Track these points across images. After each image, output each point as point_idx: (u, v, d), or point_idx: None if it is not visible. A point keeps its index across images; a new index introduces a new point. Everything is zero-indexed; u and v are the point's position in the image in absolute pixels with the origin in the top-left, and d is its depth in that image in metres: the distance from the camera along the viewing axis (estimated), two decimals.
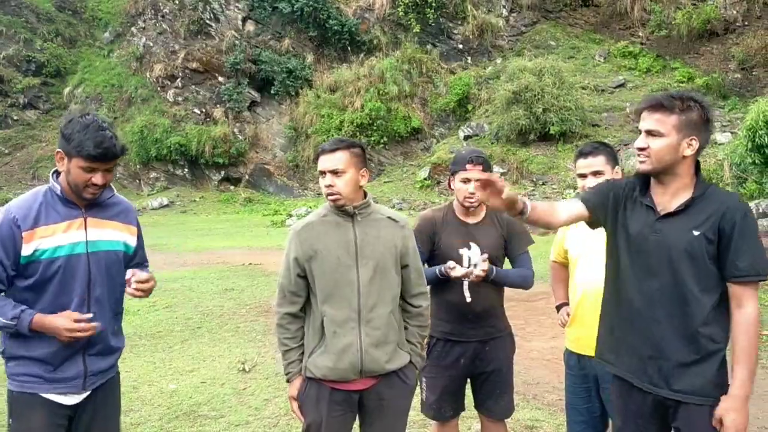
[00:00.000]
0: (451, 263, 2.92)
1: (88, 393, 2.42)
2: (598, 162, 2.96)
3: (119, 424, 2.61)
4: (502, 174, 18.49)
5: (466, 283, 2.97)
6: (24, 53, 31.30)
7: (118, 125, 28.08)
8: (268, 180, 27.70)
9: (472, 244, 2.98)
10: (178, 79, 28.87)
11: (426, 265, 2.98)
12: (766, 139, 10.04)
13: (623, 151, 16.99)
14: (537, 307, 7.89)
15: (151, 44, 29.88)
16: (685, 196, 2.16)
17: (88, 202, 2.38)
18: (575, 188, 17.62)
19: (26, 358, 2.32)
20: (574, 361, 2.97)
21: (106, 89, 30.14)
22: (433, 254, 3.02)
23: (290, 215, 22.04)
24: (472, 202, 2.98)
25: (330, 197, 2.53)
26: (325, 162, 2.54)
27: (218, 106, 28.03)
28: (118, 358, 2.57)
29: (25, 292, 2.30)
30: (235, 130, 27.60)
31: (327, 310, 2.49)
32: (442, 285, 3.02)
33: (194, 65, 28.61)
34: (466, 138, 22.94)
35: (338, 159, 2.53)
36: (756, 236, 2.07)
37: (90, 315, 2.31)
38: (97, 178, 2.28)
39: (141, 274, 2.41)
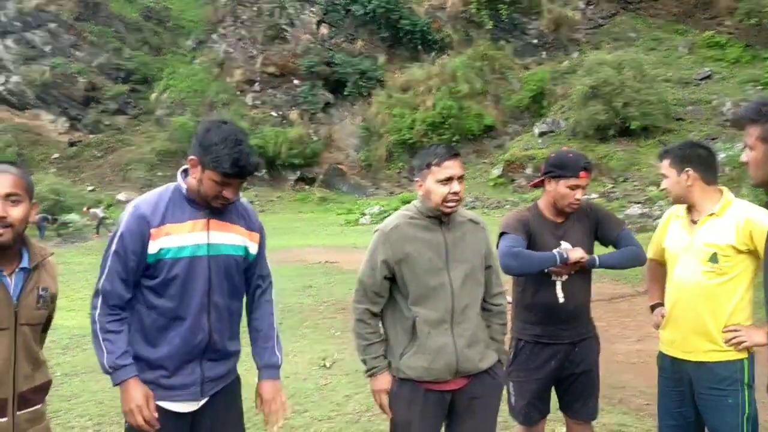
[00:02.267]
0: (566, 245, 2.88)
1: (206, 399, 2.30)
2: (664, 165, 2.88)
3: (244, 428, 2.48)
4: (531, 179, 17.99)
5: (559, 284, 2.91)
6: (114, 62, 33.08)
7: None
8: (341, 179, 28.11)
9: (563, 243, 2.92)
10: (256, 83, 29.75)
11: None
12: None
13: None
14: (620, 308, 7.65)
15: (231, 50, 30.91)
16: None
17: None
18: (658, 185, 16.95)
19: (144, 361, 2.22)
20: (668, 363, 2.87)
21: (190, 94, 31.41)
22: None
23: (363, 214, 22.28)
24: (574, 209, 2.93)
25: (451, 204, 2.48)
26: (454, 168, 2.48)
27: (294, 108, 28.70)
28: (237, 362, 2.44)
29: (149, 293, 2.24)
30: (310, 131, 28.17)
31: (420, 311, 2.48)
32: (533, 286, 2.96)
33: (271, 69, 29.40)
34: (541, 134, 22.50)
35: (461, 164, 2.54)
36: None
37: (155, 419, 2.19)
38: (228, 193, 2.20)
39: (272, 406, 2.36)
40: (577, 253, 2.83)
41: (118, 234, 2.24)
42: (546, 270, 2.84)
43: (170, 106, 31.57)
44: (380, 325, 2.62)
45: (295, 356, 5.96)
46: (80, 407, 4.68)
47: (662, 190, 2.07)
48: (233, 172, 2.15)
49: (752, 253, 2.59)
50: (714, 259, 2.66)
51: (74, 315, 8.54)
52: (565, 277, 2.90)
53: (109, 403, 4.74)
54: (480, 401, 2.57)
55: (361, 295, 2.59)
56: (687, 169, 2.79)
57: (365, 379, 5.37)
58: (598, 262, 2.88)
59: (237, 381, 2.47)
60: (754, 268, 2.58)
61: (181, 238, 2.21)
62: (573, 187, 2.88)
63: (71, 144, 32.73)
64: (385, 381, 2.55)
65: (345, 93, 28.45)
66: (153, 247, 2.19)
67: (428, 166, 2.50)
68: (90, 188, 29.62)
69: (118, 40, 33.87)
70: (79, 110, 32.97)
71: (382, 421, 4.33)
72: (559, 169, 2.92)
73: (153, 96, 32.55)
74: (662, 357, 2.89)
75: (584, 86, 20.12)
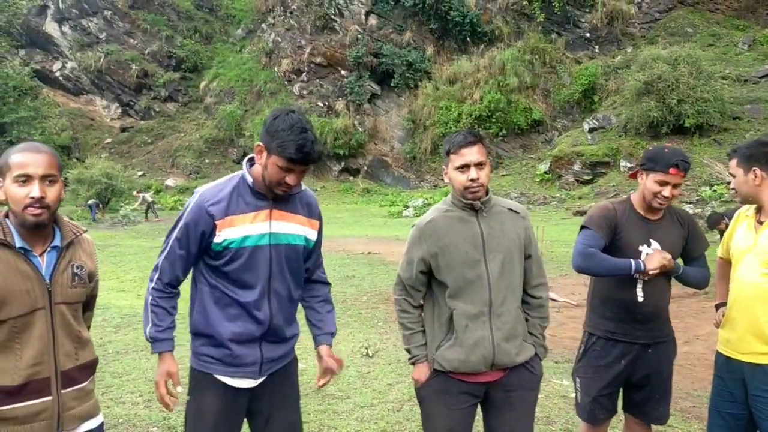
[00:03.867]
0: (656, 245, 2.81)
1: (265, 378, 2.41)
2: (732, 165, 2.81)
3: (299, 407, 2.57)
4: (630, 168, 17.59)
5: (640, 283, 2.85)
6: (166, 49, 33.81)
7: (248, 118, 29.62)
8: (385, 171, 28.15)
9: (653, 242, 2.85)
10: (304, 74, 29.99)
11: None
12: None
13: None
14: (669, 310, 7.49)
15: (280, 40, 31.22)
16: None
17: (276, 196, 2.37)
18: (711, 185, 16.48)
19: (209, 338, 2.33)
20: (722, 362, 2.81)
21: (238, 83, 31.89)
22: (610, 247, 2.88)
23: (407, 206, 22.29)
24: (662, 206, 2.87)
25: (472, 191, 2.48)
26: (471, 154, 2.47)
27: (340, 99, 28.84)
28: (294, 344, 2.54)
29: (214, 274, 2.33)
30: (356, 122, 28.28)
31: (458, 305, 2.49)
32: (614, 282, 2.90)
33: (319, 59, 29.58)
34: (591, 130, 22.07)
35: (481, 151, 2.50)
36: None
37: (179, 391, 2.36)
38: (291, 179, 2.25)
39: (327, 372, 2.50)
40: (654, 263, 2.74)
41: (182, 222, 2.33)
42: (644, 267, 2.76)
43: (219, 95, 32.10)
44: (422, 315, 2.65)
45: (338, 344, 6.03)
46: (131, 384, 4.85)
47: (731, 189, 2.00)
48: (297, 158, 2.20)
49: None
50: None
51: (125, 295, 8.81)
52: (647, 277, 2.84)
53: None
54: (517, 394, 2.56)
55: (401, 288, 2.64)
56: (755, 168, 2.72)
57: (407, 369, 5.43)
58: (681, 271, 2.84)
59: (294, 361, 2.57)
60: None
61: (245, 228, 2.29)
62: (661, 183, 2.80)
63: (123, 130, 33.66)
64: (423, 371, 2.59)
65: (391, 84, 28.42)
66: (219, 238, 2.28)
67: (447, 153, 2.52)
68: (140, 173, 30.40)
69: (170, 28, 34.59)
70: (131, 97, 33.86)
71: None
72: (650, 162, 2.85)
73: (202, 84, 33.16)
74: (718, 356, 2.84)
75: (637, 82, 19.59)
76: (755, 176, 2.71)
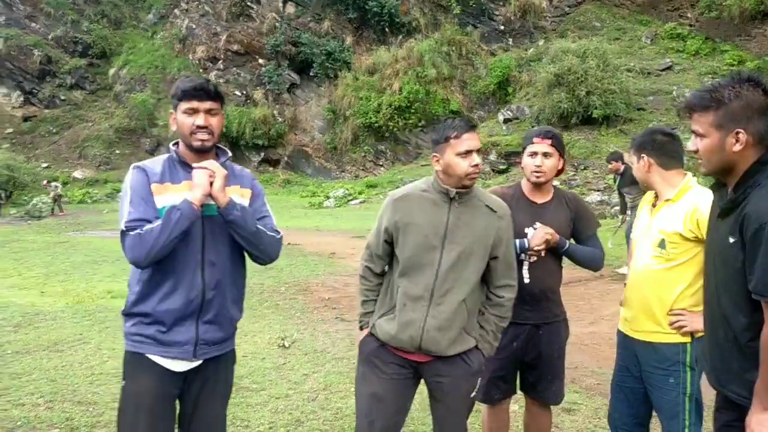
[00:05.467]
0: (540, 226, 2.90)
1: (200, 363, 2.37)
2: (631, 153, 2.97)
3: (227, 402, 2.52)
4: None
5: (526, 264, 2.94)
6: (71, 34, 32.07)
7: (161, 107, 28.59)
8: (306, 162, 27.93)
9: (538, 224, 2.94)
10: (220, 61, 29.23)
11: None
12: None
13: None
14: (575, 292, 7.83)
15: (194, 26, 30.26)
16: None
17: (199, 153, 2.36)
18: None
19: (143, 316, 2.31)
20: (621, 339, 2.98)
21: (150, 70, 30.68)
22: None
23: (328, 197, 22.21)
24: (538, 177, 2.95)
25: (473, 177, 2.48)
26: (474, 140, 2.48)
27: (258, 88, 28.33)
28: (235, 332, 2.51)
29: None
30: (275, 112, 27.86)
31: (404, 283, 2.52)
32: None
33: (235, 47, 28.91)
34: (506, 121, 22.69)
35: (478, 137, 2.54)
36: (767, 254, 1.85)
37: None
38: (200, 119, 2.29)
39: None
40: (536, 239, 2.85)
41: (128, 188, 2.32)
42: (527, 245, 2.88)
43: (129, 83, 30.80)
44: (379, 285, 2.68)
45: (254, 336, 5.95)
46: (31, 385, 4.60)
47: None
48: (190, 88, 2.29)
49: (700, 241, 2.66)
50: (662, 244, 2.74)
51: (27, 293, 8.35)
52: (533, 259, 2.93)
53: (62, 381, 4.67)
54: (449, 384, 2.58)
55: (368, 254, 2.67)
56: (642, 155, 2.87)
57: (323, 359, 5.44)
58: (567, 246, 2.93)
59: (232, 355, 2.52)
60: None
61: (179, 197, 2.28)
62: (532, 155, 2.95)
63: (25, 119, 31.69)
64: (362, 335, 2.67)
65: (311, 74, 28.17)
66: (158, 202, 2.29)
67: (447, 139, 2.48)
68: (45, 165, 28.79)
69: (76, 12, 32.82)
70: (34, 84, 31.91)
71: (339, 399, 4.38)
72: (524, 141, 3.06)
73: (111, 71, 31.70)
74: (618, 333, 2.99)
75: (548, 74, 20.30)
76: (645, 163, 2.86)
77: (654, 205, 2.87)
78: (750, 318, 1.96)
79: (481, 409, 3.31)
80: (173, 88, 2.39)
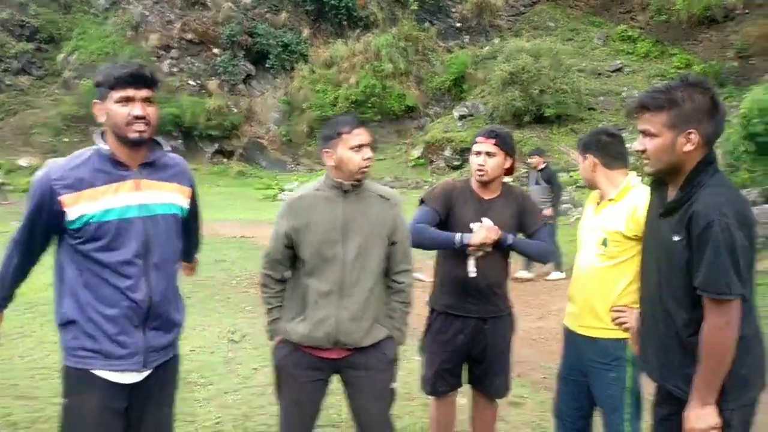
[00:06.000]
0: (487, 222, 2.95)
1: (149, 372, 2.24)
2: (577, 153, 3.05)
3: (174, 406, 2.43)
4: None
5: (472, 259, 2.98)
6: (18, 18, 30.85)
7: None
8: (261, 154, 27.60)
9: (485, 219, 2.99)
10: (174, 50, 28.57)
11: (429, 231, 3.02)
12: (759, 127, 10.10)
13: None
14: (524, 288, 7.99)
15: (147, 13, 29.50)
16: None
17: (139, 156, 2.18)
18: (568, 171, 17.68)
19: (83, 328, 2.13)
20: (566, 333, 3.05)
21: (101, 57, 29.72)
22: (445, 224, 3.03)
23: (282, 189, 22.00)
24: (481, 176, 3.00)
25: (365, 170, 2.56)
26: (364, 134, 2.57)
27: (213, 78, 27.81)
28: (179, 336, 2.38)
29: (80, 256, 2.14)
30: (230, 102, 27.42)
31: (311, 281, 2.56)
32: (449, 258, 3.05)
33: (190, 36, 28.30)
34: (461, 118, 22.89)
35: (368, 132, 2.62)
36: (715, 250, 1.90)
37: None
38: (136, 109, 2.09)
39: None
40: (476, 237, 2.90)
41: (32, 203, 2.16)
42: (467, 242, 2.92)
43: (79, 69, 29.80)
44: (283, 291, 2.70)
45: (203, 330, 5.87)
46: None
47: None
48: (124, 75, 2.10)
49: (641, 240, 2.75)
50: (605, 243, 2.82)
51: None
52: (480, 253, 2.98)
53: (1, 375, 4.53)
54: (367, 374, 2.64)
55: (267, 262, 2.69)
56: (587, 155, 2.95)
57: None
58: (510, 240, 2.98)
59: (177, 357, 2.42)
60: None
61: (106, 200, 2.12)
62: (477, 154, 3.02)
63: None
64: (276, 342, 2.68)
65: (267, 65, 27.82)
66: (72, 215, 2.10)
67: (339, 134, 2.54)
68: None
69: None
70: None
71: None
72: (472, 140, 3.11)
73: (60, 57, 30.62)
74: (564, 328, 3.07)
75: (503, 72, 20.55)
76: (590, 162, 2.94)
77: (598, 204, 2.95)
78: (691, 314, 2.02)
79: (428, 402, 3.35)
80: (101, 75, 2.16)
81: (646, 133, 2.08)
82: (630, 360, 2.79)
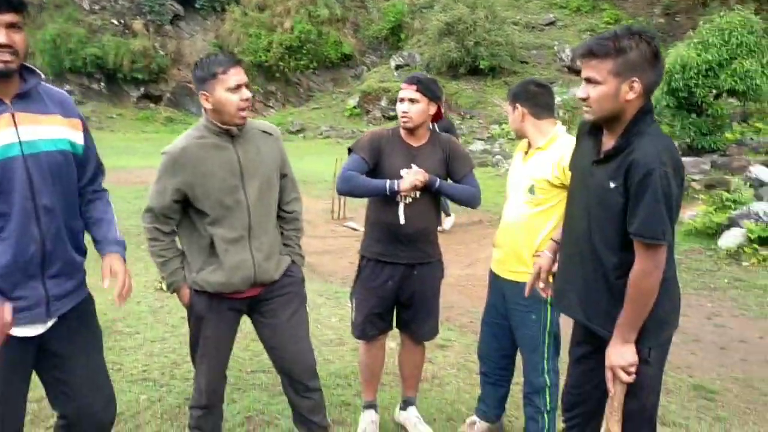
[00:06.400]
0: (416, 168, 2.94)
1: (55, 321, 2.10)
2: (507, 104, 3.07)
3: (101, 351, 2.30)
4: None
5: (401, 205, 3.00)
6: None
7: (29, 33, 26.02)
8: (190, 99, 26.62)
9: (414, 166, 2.99)
10: None
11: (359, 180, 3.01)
12: (680, 83, 10.50)
13: None
14: (454, 237, 8.17)
15: None
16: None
17: (11, 88, 1.96)
18: (500, 123, 17.96)
19: None
20: (491, 278, 3.15)
21: None
22: (374, 172, 3.01)
23: None
24: (405, 122, 2.99)
25: (244, 113, 2.48)
26: (241, 74, 2.47)
27: (138, 17, 26.39)
28: (85, 277, 2.22)
29: None
30: (156, 44, 26.17)
31: (217, 231, 2.50)
32: (378, 205, 3.05)
33: None
34: (398, 68, 22.71)
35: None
36: (654, 197, 1.96)
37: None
38: (1, 36, 1.85)
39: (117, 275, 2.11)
40: (405, 182, 2.91)
41: None
42: (396, 188, 2.92)
43: None
44: (176, 240, 2.61)
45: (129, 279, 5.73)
46: None
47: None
48: None
49: (566, 187, 2.83)
50: (532, 190, 2.90)
51: None
52: (408, 200, 2.99)
53: None
54: (283, 302, 2.69)
55: (151, 216, 2.54)
56: (517, 105, 2.99)
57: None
58: (438, 184, 3.00)
59: (89, 300, 2.27)
60: None
61: None
62: (401, 101, 3.01)
63: None
64: (186, 293, 2.61)
65: (196, 6, 26.61)
66: None
67: (214, 75, 2.44)
68: None
69: None
70: None
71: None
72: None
73: None
74: (490, 273, 3.16)
75: (440, 22, 20.45)
76: (519, 112, 2.98)
77: (526, 153, 3.01)
78: (620, 257, 2.10)
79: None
80: None
81: (590, 80, 2.09)
82: (549, 302, 2.91)
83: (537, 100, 2.98)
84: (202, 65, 2.48)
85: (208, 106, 2.47)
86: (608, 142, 2.16)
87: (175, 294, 2.63)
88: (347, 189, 2.97)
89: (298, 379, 2.71)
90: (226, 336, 2.68)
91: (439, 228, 3.34)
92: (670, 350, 2.26)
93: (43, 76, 2.09)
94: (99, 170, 2.32)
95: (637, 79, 2.03)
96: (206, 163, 2.46)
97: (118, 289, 2.16)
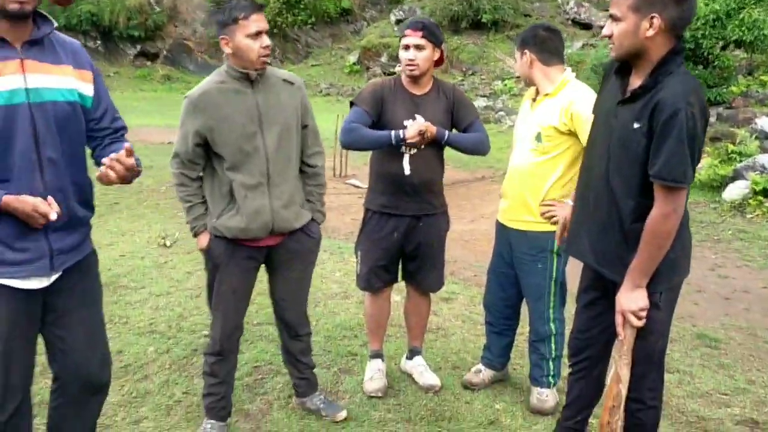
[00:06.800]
0: (420, 118, 2.89)
1: (59, 275, 2.07)
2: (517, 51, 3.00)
3: (101, 310, 2.27)
4: None
5: (406, 156, 2.95)
6: None
7: None
8: (188, 57, 26.27)
9: (417, 116, 2.93)
10: None
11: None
12: (687, 34, 10.31)
13: None
14: (458, 193, 8.14)
15: None
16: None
17: (24, 33, 1.90)
18: (503, 79, 17.70)
19: None
20: (498, 228, 3.14)
21: None
22: (378, 124, 2.95)
23: None
24: (412, 70, 2.92)
25: (265, 58, 2.49)
26: (262, 21, 2.47)
27: None
28: (89, 233, 2.19)
29: None
30: (152, 0, 25.69)
31: (236, 176, 2.52)
32: (383, 157, 2.99)
33: None
34: (398, 22, 22.27)
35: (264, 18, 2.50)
36: (678, 138, 1.91)
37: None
38: None
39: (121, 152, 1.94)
40: (411, 131, 2.84)
41: None
42: (402, 137, 2.86)
43: None
44: (201, 187, 2.65)
45: (133, 235, 5.73)
46: None
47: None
48: None
49: (573, 134, 2.78)
50: (538, 138, 2.86)
51: None
52: (414, 151, 2.94)
53: None
54: (297, 257, 2.76)
55: (177, 162, 2.59)
56: (525, 50, 2.92)
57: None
58: (447, 137, 2.94)
59: (93, 255, 2.23)
60: (580, 149, 2.75)
61: None
62: (405, 48, 2.92)
63: None
64: (204, 239, 2.64)
65: None
66: None
67: (235, 20, 2.42)
68: None
69: None
70: None
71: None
72: (399, 33, 2.99)
73: None
74: (497, 223, 3.14)
75: None
76: (527, 59, 2.91)
77: (534, 100, 2.96)
78: (637, 202, 2.07)
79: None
80: None
81: (613, 18, 2.05)
82: (556, 251, 2.91)
83: (546, 45, 2.91)
84: (224, 9, 2.46)
85: (228, 50, 2.48)
86: (635, 81, 2.10)
87: (194, 239, 2.70)
88: (350, 141, 2.92)
89: (291, 324, 2.86)
90: (242, 284, 2.69)
91: None
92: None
93: (55, 24, 2.03)
94: (117, 121, 2.24)
95: (657, 15, 1.97)
96: (225, 107, 2.48)
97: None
